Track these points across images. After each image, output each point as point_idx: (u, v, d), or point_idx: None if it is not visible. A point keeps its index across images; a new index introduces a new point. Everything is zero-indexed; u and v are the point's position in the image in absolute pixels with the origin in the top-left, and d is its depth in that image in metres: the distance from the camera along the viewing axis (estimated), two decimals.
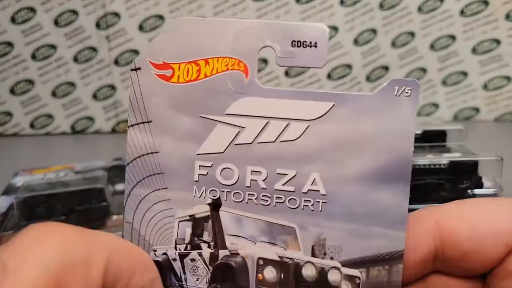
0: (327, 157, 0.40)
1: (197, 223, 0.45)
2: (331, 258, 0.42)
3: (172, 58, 0.41)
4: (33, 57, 1.03)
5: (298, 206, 0.41)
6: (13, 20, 0.96)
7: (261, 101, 0.40)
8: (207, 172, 0.42)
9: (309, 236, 0.41)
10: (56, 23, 0.96)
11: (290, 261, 0.42)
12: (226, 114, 0.40)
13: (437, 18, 1.02)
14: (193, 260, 0.45)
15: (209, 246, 0.46)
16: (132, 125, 0.41)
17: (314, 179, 0.41)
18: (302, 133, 0.40)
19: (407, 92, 0.37)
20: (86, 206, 0.60)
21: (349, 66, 1.03)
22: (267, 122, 0.40)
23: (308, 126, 0.39)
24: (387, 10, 1.03)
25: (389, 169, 0.39)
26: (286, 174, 0.41)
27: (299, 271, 0.42)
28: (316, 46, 0.39)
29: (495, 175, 0.55)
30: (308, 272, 0.42)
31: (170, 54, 0.41)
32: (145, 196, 0.43)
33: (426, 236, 0.39)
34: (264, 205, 0.42)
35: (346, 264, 0.40)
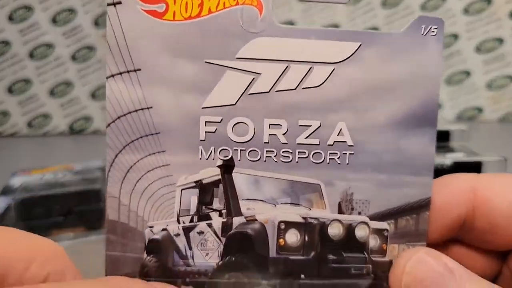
0: (354, 104, 0.28)
1: (204, 190, 0.30)
2: (359, 213, 0.30)
3: None
4: (31, 56, 0.73)
5: (324, 160, 0.28)
6: (10, 19, 0.64)
7: (279, 42, 0.27)
8: (216, 129, 0.28)
9: (335, 192, 0.29)
10: (53, 22, 0.67)
11: (315, 221, 0.29)
12: (237, 58, 0.26)
13: (441, 17, 0.83)
14: (201, 233, 0.30)
15: (220, 215, 0.30)
16: (113, 75, 0.26)
17: (341, 129, 0.28)
18: (327, 78, 0.27)
19: (433, 31, 0.27)
20: (84, 207, 0.47)
21: None
22: (287, 67, 0.27)
23: (333, 69, 0.27)
24: (389, 8, 0.84)
25: (418, 113, 0.29)
26: (310, 126, 0.28)
27: (325, 231, 0.29)
28: None
29: None
30: (335, 230, 0.30)
31: None
32: (135, 163, 0.27)
33: (458, 201, 0.29)
34: (285, 162, 0.28)
35: (374, 217, 0.30)
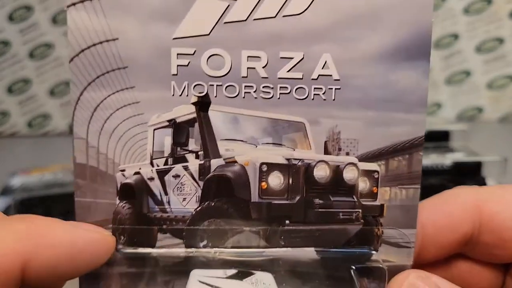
0: (340, 34, 0.26)
1: (179, 129, 0.28)
2: (347, 154, 0.28)
3: None
4: (31, 56, 0.69)
5: (308, 96, 0.26)
6: (10, 18, 0.60)
7: None
8: (189, 62, 0.25)
9: (321, 130, 0.27)
10: (53, 21, 0.63)
11: (300, 163, 0.28)
12: None
13: (441, 17, 0.80)
14: (176, 176, 0.28)
15: (197, 157, 0.28)
16: (74, 4, 0.24)
17: (326, 62, 0.26)
18: (309, 5, 0.25)
19: None
20: None
21: None
22: None
23: None
24: None
25: (410, 44, 0.26)
26: (292, 58, 0.26)
27: (310, 172, 0.28)
28: None
29: (499, 175, 0.39)
30: (321, 172, 0.28)
31: None
32: (102, 101, 0.25)
33: (465, 218, 0.28)
34: (265, 98, 0.26)
35: (364, 158, 0.28)
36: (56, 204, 0.52)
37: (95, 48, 0.21)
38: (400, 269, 0.24)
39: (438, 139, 0.61)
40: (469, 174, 0.49)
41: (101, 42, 0.21)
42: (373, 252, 0.25)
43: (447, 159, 0.48)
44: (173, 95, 0.22)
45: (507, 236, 0.28)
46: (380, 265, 0.25)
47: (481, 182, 0.49)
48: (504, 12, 0.82)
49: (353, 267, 0.24)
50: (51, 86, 0.85)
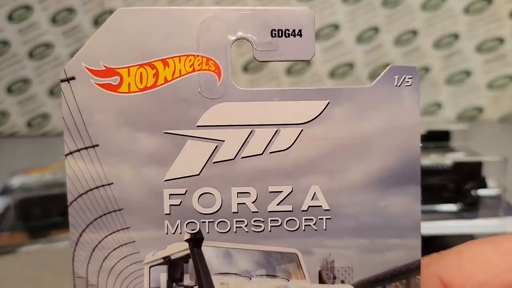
0: (327, 166, 0.26)
1: (174, 266, 0.27)
2: (342, 282, 0.27)
3: (117, 61, 0.25)
4: (30, 56, 0.73)
5: (299, 227, 0.26)
6: (9, 18, 0.64)
7: (241, 107, 0.25)
8: (181, 202, 0.26)
9: (314, 260, 0.27)
10: (53, 21, 0.67)
11: None
12: (198, 126, 0.25)
13: (441, 17, 0.80)
14: None
15: None
16: (71, 153, 0.25)
17: (314, 193, 0.26)
18: (295, 140, 0.26)
19: (408, 81, 0.25)
20: None
21: (350, 65, 0.81)
22: (251, 132, 0.25)
23: (301, 131, 0.25)
24: (390, 8, 0.81)
25: (398, 170, 0.26)
26: (281, 192, 0.26)
27: None
28: (300, 35, 0.24)
29: (500, 176, 0.37)
30: None
31: (113, 57, 0.24)
32: (100, 242, 0.26)
33: None
34: (257, 231, 0.26)
35: (360, 285, 0.27)
36: (55, 204, 0.51)
37: (92, 193, 0.22)
38: None
39: (438, 139, 0.60)
40: (469, 174, 0.47)
41: (97, 187, 0.22)
42: None
43: (447, 159, 0.47)
44: (166, 233, 0.22)
45: None
46: None
47: (482, 182, 0.47)
48: (505, 12, 0.81)
49: None
50: (50, 86, 0.87)
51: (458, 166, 0.52)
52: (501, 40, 0.90)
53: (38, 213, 0.53)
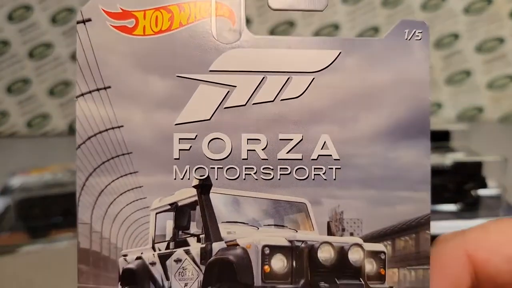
0: (338, 115, 0.26)
1: (180, 213, 0.27)
2: (351, 234, 0.26)
3: (133, 4, 0.25)
4: (30, 56, 0.72)
5: (308, 176, 0.25)
6: (9, 18, 0.64)
7: (254, 53, 0.25)
8: (190, 146, 0.25)
9: (323, 211, 0.26)
10: (53, 21, 0.67)
11: (303, 245, 0.26)
12: (211, 71, 0.25)
13: (441, 17, 0.81)
14: (178, 260, 0.27)
15: (198, 240, 0.26)
16: (82, 94, 0.25)
17: (325, 142, 0.26)
18: (306, 88, 0.25)
19: (418, 36, 0.25)
20: None
21: None
22: (263, 78, 0.25)
23: (313, 79, 0.25)
24: (389, 8, 0.82)
25: (408, 122, 0.26)
26: (291, 139, 0.25)
27: (314, 255, 0.26)
28: None
29: (500, 176, 0.37)
30: (326, 254, 0.26)
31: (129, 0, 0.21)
32: (106, 186, 0.25)
33: (462, 273, 0.27)
34: (266, 179, 0.25)
35: (369, 238, 0.26)
36: (55, 204, 0.51)
37: (101, 135, 0.22)
38: None
39: (438, 139, 0.59)
40: (469, 174, 0.47)
41: (106, 130, 0.22)
42: None
43: (447, 159, 0.47)
44: (175, 178, 0.22)
45: (503, 280, 0.27)
46: None
47: (482, 181, 0.47)
48: (505, 12, 0.81)
49: None
50: (50, 86, 0.86)
51: (458, 166, 0.52)
52: (501, 40, 0.91)
53: (38, 213, 0.53)
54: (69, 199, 0.49)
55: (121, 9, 0.23)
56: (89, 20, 0.23)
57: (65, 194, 0.53)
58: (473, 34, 0.90)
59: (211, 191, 0.24)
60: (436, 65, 0.92)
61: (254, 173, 0.24)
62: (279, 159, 0.24)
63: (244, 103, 0.24)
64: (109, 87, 0.24)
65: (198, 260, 0.24)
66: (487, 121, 0.92)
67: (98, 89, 0.24)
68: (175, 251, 0.24)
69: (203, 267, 0.24)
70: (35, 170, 0.63)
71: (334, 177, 0.25)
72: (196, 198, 0.24)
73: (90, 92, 0.23)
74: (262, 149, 0.24)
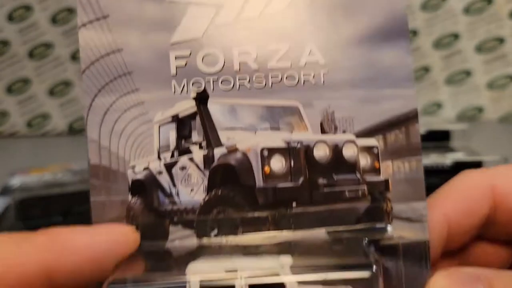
0: (321, 24, 0.26)
1: (182, 123, 0.26)
2: (343, 132, 0.27)
3: None
4: (30, 56, 0.74)
5: (298, 81, 0.26)
6: (9, 18, 0.67)
7: None
8: (186, 63, 0.26)
9: (315, 112, 0.26)
10: (53, 21, 0.69)
11: (299, 145, 0.27)
12: None
13: (441, 17, 0.82)
14: (183, 168, 0.27)
15: (201, 147, 0.25)
16: (84, 25, 0.23)
17: (311, 50, 0.26)
18: (290, 1, 0.26)
19: None
20: (83, 207, 0.40)
21: None
22: None
23: None
24: None
25: (387, 26, 0.26)
26: (279, 49, 0.26)
27: (310, 154, 0.27)
28: None
29: None
30: (321, 152, 0.27)
31: None
32: (111, 105, 0.26)
33: (483, 201, 0.26)
34: (259, 88, 0.26)
35: (361, 134, 0.27)
36: (55, 204, 0.49)
37: (103, 59, 0.24)
38: (417, 246, 0.23)
39: (438, 139, 0.61)
40: None
41: (108, 54, 0.24)
42: (384, 227, 0.24)
43: (447, 159, 0.49)
44: (174, 93, 0.24)
45: None
46: (395, 242, 0.24)
47: None
48: (505, 12, 0.82)
49: (366, 240, 0.23)
50: (50, 86, 0.89)
51: (458, 166, 0.54)
52: (501, 40, 0.92)
53: (38, 213, 0.52)
54: (69, 199, 0.48)
55: None
56: None
57: (65, 194, 0.51)
58: (473, 34, 0.92)
59: (208, 101, 0.26)
60: (436, 65, 0.93)
61: (248, 82, 0.26)
62: (269, 68, 0.26)
63: (233, 19, 0.26)
64: (107, 15, 0.26)
65: (201, 166, 0.26)
66: (487, 121, 0.95)
67: (97, 19, 0.26)
68: (179, 160, 0.26)
69: (206, 173, 0.26)
70: (35, 170, 0.65)
71: (322, 81, 0.26)
72: (195, 109, 0.26)
73: (90, 22, 0.26)
74: (253, 60, 0.26)
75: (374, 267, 0.22)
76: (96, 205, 0.24)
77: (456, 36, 1.08)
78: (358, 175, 0.25)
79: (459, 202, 0.25)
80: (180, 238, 0.24)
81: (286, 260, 0.21)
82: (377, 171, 0.25)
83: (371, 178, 0.25)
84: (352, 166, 0.25)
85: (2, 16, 0.90)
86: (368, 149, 0.25)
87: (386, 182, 0.25)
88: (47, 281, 0.20)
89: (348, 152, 0.25)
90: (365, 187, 0.25)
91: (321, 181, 0.24)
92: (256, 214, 0.23)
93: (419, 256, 0.24)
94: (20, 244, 0.21)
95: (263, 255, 0.22)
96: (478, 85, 1.19)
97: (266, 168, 0.24)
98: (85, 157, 0.69)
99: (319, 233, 0.24)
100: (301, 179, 0.24)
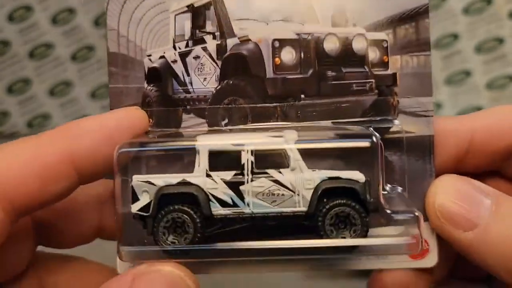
0: None
1: (197, 13, 0.26)
2: (354, 25, 0.26)
3: None
4: (31, 56, 0.75)
5: None
6: (10, 18, 0.68)
7: None
8: None
9: (326, 4, 0.26)
10: (53, 21, 0.70)
11: (310, 37, 0.26)
12: None
13: (440, 17, 0.80)
14: (197, 57, 0.27)
15: (214, 37, 0.25)
16: None
17: None
18: None
19: None
20: None
21: None
22: None
23: None
24: None
25: None
26: None
27: (320, 45, 0.27)
28: None
29: None
30: (331, 44, 0.27)
31: None
32: None
33: (506, 131, 0.27)
34: None
35: (371, 28, 0.26)
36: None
37: None
38: (422, 140, 0.23)
39: None
40: None
41: None
42: (391, 121, 0.25)
43: None
44: None
45: (489, 153, 0.27)
46: (399, 136, 0.25)
47: None
48: (504, 12, 0.79)
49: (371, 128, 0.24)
50: (51, 86, 0.89)
51: None
52: (500, 40, 0.89)
53: None
54: None
55: None
56: None
57: None
58: (473, 34, 0.89)
59: None
60: (436, 65, 0.90)
61: None
62: None
63: None
64: None
65: (214, 56, 0.27)
66: None
67: None
68: (193, 49, 0.27)
69: (219, 62, 0.26)
70: None
71: None
72: None
73: None
74: None
75: (374, 137, 0.23)
76: (113, 92, 0.25)
77: (455, 36, 1.06)
78: (367, 69, 0.25)
79: (490, 123, 0.25)
80: (193, 127, 0.25)
81: (292, 135, 0.23)
82: (385, 64, 0.25)
83: (379, 71, 0.25)
84: (361, 60, 0.25)
85: (3, 16, 0.85)
86: (378, 43, 0.25)
87: (394, 76, 0.25)
88: (71, 164, 0.22)
89: (358, 45, 0.25)
90: (372, 81, 0.25)
91: (330, 73, 0.24)
92: (266, 104, 0.24)
93: (423, 151, 0.25)
94: (39, 138, 0.22)
95: (270, 133, 0.24)
96: (478, 85, 1.16)
97: (277, 59, 0.24)
98: None
99: (325, 123, 0.25)
100: (310, 71, 0.24)
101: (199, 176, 0.24)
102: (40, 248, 0.27)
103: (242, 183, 0.24)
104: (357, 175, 0.24)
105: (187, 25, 0.26)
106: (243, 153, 0.24)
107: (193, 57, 0.26)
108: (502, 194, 0.24)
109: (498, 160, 0.27)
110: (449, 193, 0.24)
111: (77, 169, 0.23)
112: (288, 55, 0.24)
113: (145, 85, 0.25)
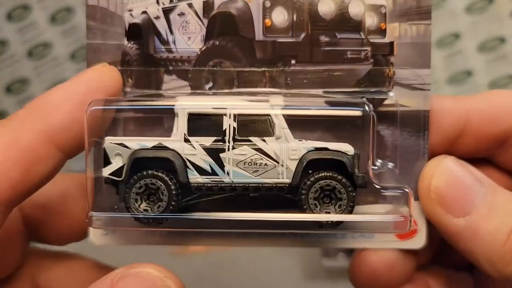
0: None
1: None
2: None
3: None
4: (29, 55, 0.71)
5: None
6: (8, 18, 0.64)
7: None
8: None
9: None
10: (52, 21, 0.65)
11: None
12: None
13: (442, 16, 0.76)
14: (181, 14, 0.25)
15: None
16: None
17: None
18: None
19: None
20: None
21: None
22: None
23: None
24: None
25: None
26: None
27: (314, 8, 0.25)
28: None
29: None
30: (326, 7, 0.25)
31: None
32: None
33: (502, 116, 0.26)
34: None
35: None
36: None
37: None
38: (417, 115, 0.21)
39: None
40: None
41: None
42: (386, 93, 0.22)
43: None
44: None
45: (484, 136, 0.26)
46: (393, 109, 0.23)
47: None
48: (506, 11, 0.78)
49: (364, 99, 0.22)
50: (49, 85, 0.87)
51: None
52: (502, 40, 0.87)
53: None
54: None
55: None
56: None
57: None
58: (475, 34, 0.87)
59: None
60: (438, 65, 0.88)
61: None
62: None
63: None
64: None
65: (201, 13, 0.25)
66: None
67: None
68: (178, 5, 0.25)
69: (205, 21, 0.24)
70: None
71: None
72: None
73: None
74: None
75: (367, 107, 0.22)
76: (91, 48, 0.24)
77: (457, 36, 1.04)
78: (363, 35, 0.23)
79: (487, 106, 0.24)
80: (174, 88, 0.24)
81: (278, 100, 0.22)
82: (382, 32, 0.23)
83: (376, 39, 0.24)
84: (357, 25, 0.23)
85: (1, 15, 0.84)
86: (376, 8, 0.23)
87: (391, 44, 0.24)
88: (50, 143, 0.20)
89: (354, 9, 0.23)
90: (368, 49, 0.23)
91: (323, 38, 0.23)
92: (253, 68, 0.23)
93: (417, 127, 0.23)
94: (10, 123, 0.20)
95: (255, 97, 0.24)
96: (480, 85, 1.16)
97: (267, 21, 0.23)
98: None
99: (316, 92, 0.24)
100: (302, 35, 0.23)
101: (176, 140, 0.23)
102: (40, 246, 0.28)
103: (223, 150, 0.23)
104: (346, 147, 0.24)
105: None
106: (225, 118, 0.23)
107: (178, 14, 0.24)
108: (498, 186, 0.24)
109: (492, 145, 0.26)
110: (446, 176, 0.23)
111: (58, 146, 0.22)
112: (279, 17, 0.23)
113: (125, 42, 0.24)
